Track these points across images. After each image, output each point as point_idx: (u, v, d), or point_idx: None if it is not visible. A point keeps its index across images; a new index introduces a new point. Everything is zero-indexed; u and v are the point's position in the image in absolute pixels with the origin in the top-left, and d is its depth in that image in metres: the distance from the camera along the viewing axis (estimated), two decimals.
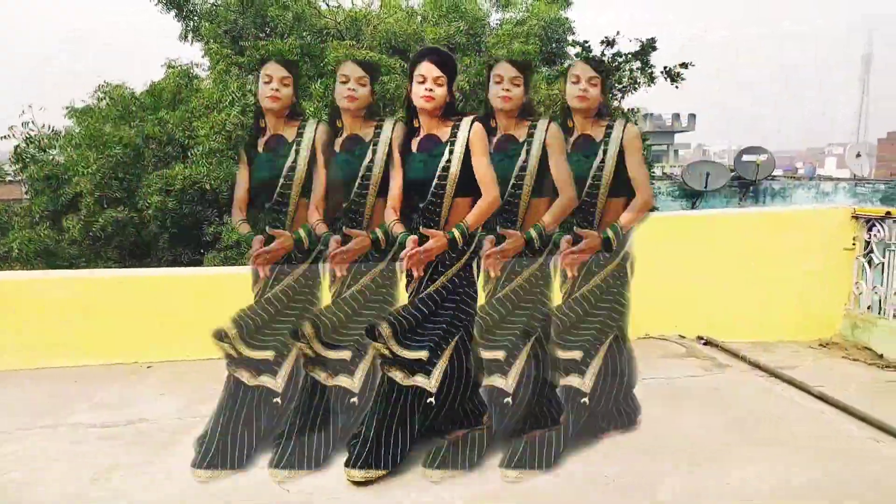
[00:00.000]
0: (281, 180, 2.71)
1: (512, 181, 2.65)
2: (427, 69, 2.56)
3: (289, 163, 2.69)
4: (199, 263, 7.82)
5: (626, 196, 2.73)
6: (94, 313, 4.05)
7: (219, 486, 2.51)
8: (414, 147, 2.66)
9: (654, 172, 11.32)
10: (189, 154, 8.32)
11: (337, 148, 2.75)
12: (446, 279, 2.64)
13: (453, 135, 2.61)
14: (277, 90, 2.69)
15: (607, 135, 2.68)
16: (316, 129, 2.74)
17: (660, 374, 3.73)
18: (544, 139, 2.65)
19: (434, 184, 2.59)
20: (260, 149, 2.79)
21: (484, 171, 2.60)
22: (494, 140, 2.72)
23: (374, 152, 2.67)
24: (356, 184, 2.68)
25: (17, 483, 2.55)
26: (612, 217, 2.71)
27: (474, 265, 2.71)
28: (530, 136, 2.67)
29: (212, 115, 8.40)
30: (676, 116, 43.41)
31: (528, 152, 2.65)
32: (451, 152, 2.59)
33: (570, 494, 2.44)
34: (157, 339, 4.09)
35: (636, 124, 10.40)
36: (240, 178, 2.91)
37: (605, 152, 2.67)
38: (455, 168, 2.57)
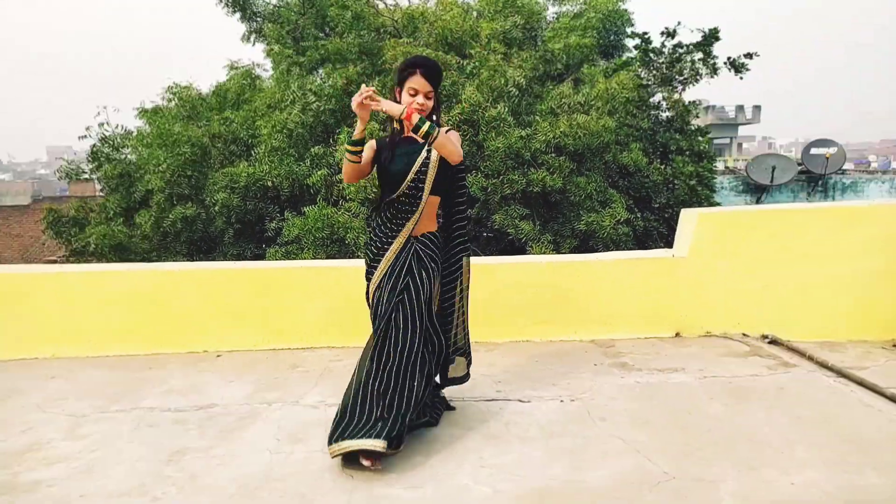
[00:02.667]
0: (410, 179, 2.83)
1: (411, 176, 2.81)
2: (419, 83, 2.77)
3: (422, 157, 2.83)
4: (261, 257, 8.09)
5: (441, 196, 2.94)
6: (166, 304, 4.26)
7: (283, 471, 2.62)
8: (391, 146, 2.90)
9: (716, 167, 10.99)
10: (252, 152, 8.59)
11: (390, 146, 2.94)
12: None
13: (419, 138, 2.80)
14: (423, 104, 2.78)
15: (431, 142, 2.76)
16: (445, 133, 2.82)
17: (722, 373, 3.65)
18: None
19: (412, 177, 2.82)
20: (394, 147, 2.91)
21: (456, 141, 2.84)
22: (398, 140, 2.91)
23: (430, 152, 2.83)
24: (409, 178, 2.83)
25: (99, 462, 2.72)
26: (427, 211, 2.89)
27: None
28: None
29: (274, 114, 8.65)
30: (740, 108, 41.94)
31: (428, 153, 2.82)
32: (428, 152, 2.82)
33: (622, 492, 2.43)
34: (226, 329, 4.27)
35: (698, 116, 10.09)
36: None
37: (428, 153, 2.82)
38: (432, 171, 2.82)
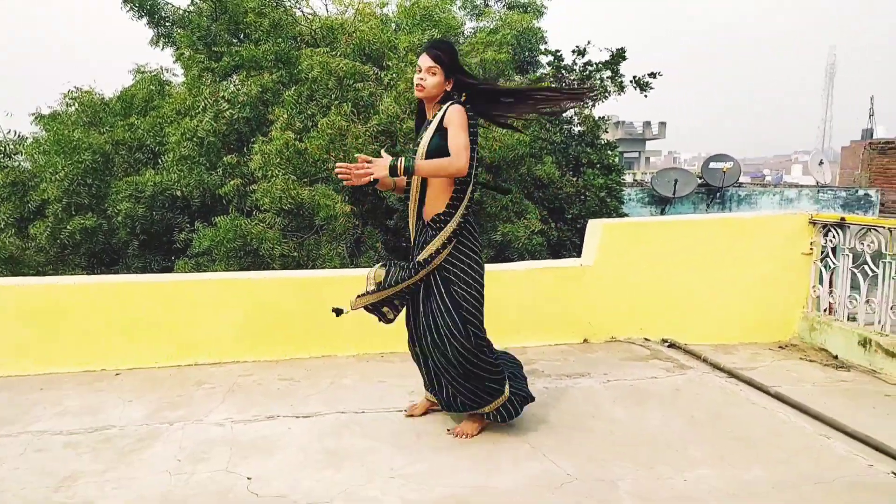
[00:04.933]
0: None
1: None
2: (422, 60, 2.87)
3: (427, 135, 2.88)
4: (169, 270, 7.74)
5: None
6: (61, 321, 3.99)
7: (183, 492, 2.51)
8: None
9: (624, 179, 11.49)
10: (160, 160, 8.23)
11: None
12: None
13: (433, 116, 2.91)
14: (422, 78, 2.85)
15: (434, 115, 2.91)
16: (446, 109, 2.83)
17: (624, 377, 3.81)
18: (442, 119, 2.83)
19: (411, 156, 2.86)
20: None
21: (454, 140, 2.77)
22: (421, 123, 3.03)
23: (426, 129, 2.89)
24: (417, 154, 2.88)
25: None
26: (432, 190, 2.87)
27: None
28: (434, 116, 2.90)
29: (184, 121, 8.33)
30: (647, 124, 44.07)
31: (426, 129, 2.90)
32: (425, 129, 2.90)
33: (527, 493, 2.49)
34: (126, 346, 4.05)
35: (607, 131, 10.46)
36: None
37: (426, 129, 2.91)
38: (424, 143, 2.85)
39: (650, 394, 3.53)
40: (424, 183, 2.89)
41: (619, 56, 11.02)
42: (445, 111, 2.81)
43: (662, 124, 44.52)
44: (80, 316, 4.03)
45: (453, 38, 10.67)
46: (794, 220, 4.64)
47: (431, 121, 2.88)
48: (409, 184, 2.95)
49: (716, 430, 3.06)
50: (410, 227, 3.01)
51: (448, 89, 2.88)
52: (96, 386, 3.73)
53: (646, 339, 4.54)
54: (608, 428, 3.10)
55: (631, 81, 11.01)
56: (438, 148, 2.79)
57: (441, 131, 2.80)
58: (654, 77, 11.08)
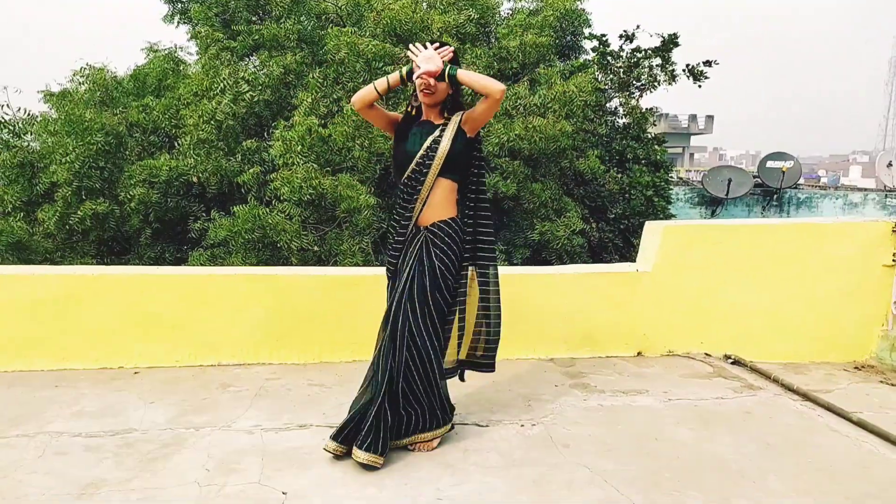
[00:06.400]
0: (418, 157, 2.93)
1: (417, 159, 2.93)
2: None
3: (432, 138, 2.92)
4: (183, 261, 7.79)
5: (453, 180, 2.98)
6: (76, 313, 4.02)
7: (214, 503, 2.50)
8: (408, 126, 3.05)
9: (671, 177, 11.33)
10: (176, 144, 8.28)
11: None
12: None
13: (446, 122, 2.98)
14: (432, 84, 2.89)
15: (446, 122, 2.98)
16: (461, 117, 2.96)
17: (687, 396, 3.72)
18: (460, 121, 2.94)
19: (420, 155, 2.92)
20: (409, 128, 3.04)
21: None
22: (416, 121, 3.05)
23: (443, 132, 2.93)
24: (419, 155, 2.92)
25: None
26: (438, 196, 2.95)
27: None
28: (446, 122, 2.98)
29: (201, 103, 8.37)
30: (693, 117, 43.43)
31: (441, 132, 2.94)
32: (441, 132, 2.94)
33: None
34: (144, 342, 4.07)
35: (655, 124, 10.42)
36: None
37: (441, 132, 2.94)
38: (445, 144, 2.91)
39: (717, 415, 3.44)
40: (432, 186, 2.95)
41: (670, 42, 10.87)
42: (462, 116, 2.96)
43: (710, 117, 43.87)
44: (96, 309, 4.05)
45: (490, 19, 10.59)
46: (876, 228, 4.51)
47: (440, 126, 2.96)
48: (417, 185, 2.94)
49: (795, 459, 2.97)
50: (398, 233, 3.04)
51: (451, 92, 2.98)
52: (114, 385, 3.74)
53: (707, 355, 4.45)
54: (673, 452, 3.02)
55: (684, 70, 10.87)
56: (459, 155, 2.93)
57: (462, 136, 2.93)
58: (710, 65, 10.92)
